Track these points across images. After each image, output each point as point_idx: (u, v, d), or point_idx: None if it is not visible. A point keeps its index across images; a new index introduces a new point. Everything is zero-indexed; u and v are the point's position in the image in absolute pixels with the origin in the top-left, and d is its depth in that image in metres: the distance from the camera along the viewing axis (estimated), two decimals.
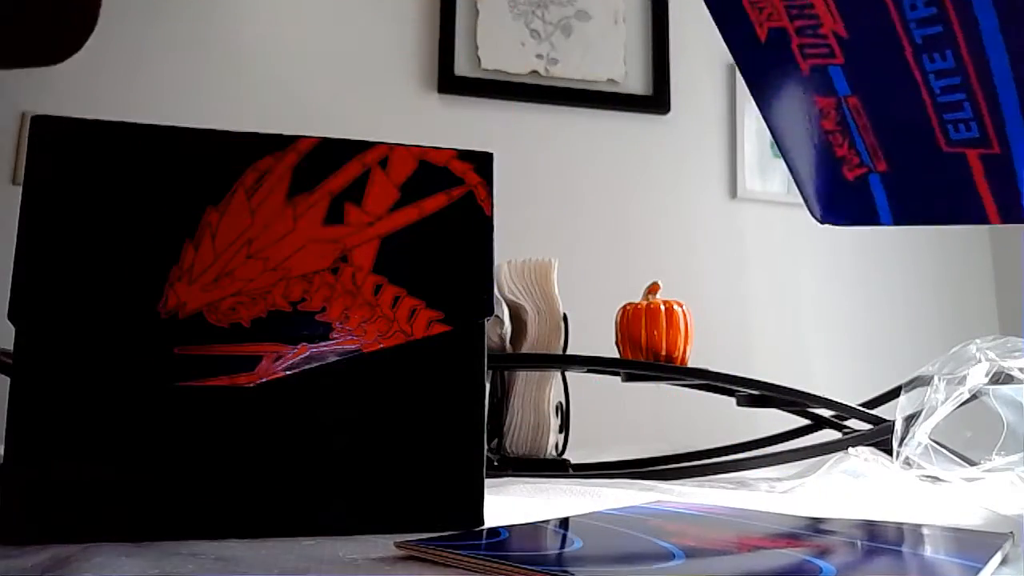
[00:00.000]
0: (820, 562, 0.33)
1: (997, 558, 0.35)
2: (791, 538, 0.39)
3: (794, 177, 0.26)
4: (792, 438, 0.98)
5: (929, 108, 0.22)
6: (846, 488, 0.63)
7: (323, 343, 0.41)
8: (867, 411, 0.83)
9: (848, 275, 1.67)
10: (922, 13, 0.20)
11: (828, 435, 0.87)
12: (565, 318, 0.86)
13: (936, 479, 0.60)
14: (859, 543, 0.39)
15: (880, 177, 0.24)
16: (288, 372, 0.41)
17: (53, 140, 0.40)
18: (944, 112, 0.22)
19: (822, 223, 0.26)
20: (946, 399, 0.59)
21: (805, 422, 0.96)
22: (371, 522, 0.41)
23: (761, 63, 0.24)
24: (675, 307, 0.83)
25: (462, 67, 1.52)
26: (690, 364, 0.84)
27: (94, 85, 1.38)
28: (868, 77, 0.22)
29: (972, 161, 0.22)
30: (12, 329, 0.39)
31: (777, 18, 0.23)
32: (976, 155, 0.22)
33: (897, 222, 0.25)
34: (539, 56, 1.56)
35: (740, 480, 0.76)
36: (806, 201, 0.26)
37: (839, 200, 0.25)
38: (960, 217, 0.24)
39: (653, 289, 0.87)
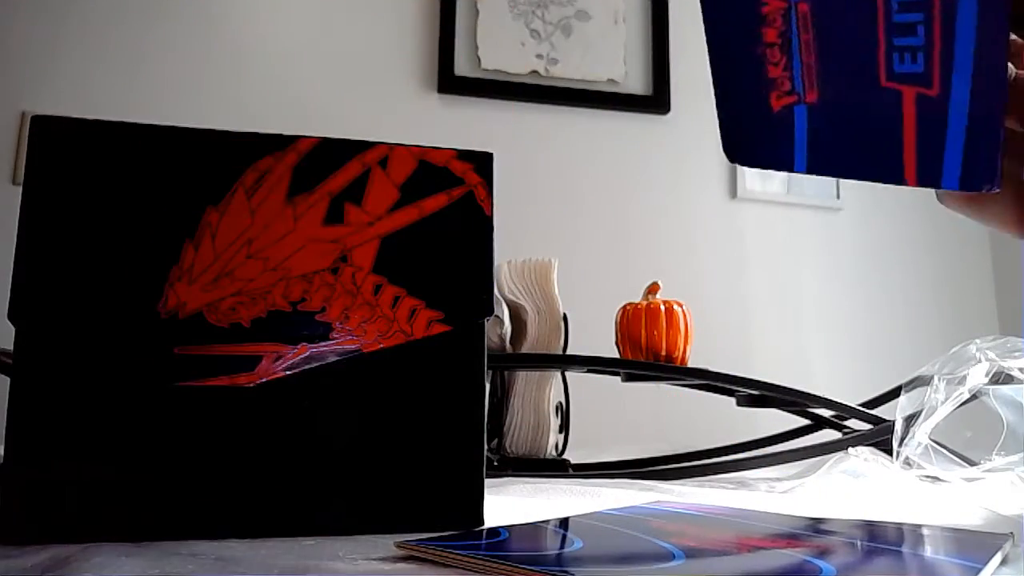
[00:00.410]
0: (820, 562, 0.33)
1: (997, 558, 0.35)
2: (791, 538, 0.39)
3: (718, 105, 0.24)
4: (792, 438, 0.98)
5: (881, 27, 0.20)
6: (846, 488, 0.63)
7: (323, 343, 0.41)
8: (867, 411, 0.83)
9: (848, 275, 1.67)
10: None
11: (828, 435, 0.87)
12: (565, 318, 0.86)
13: (936, 479, 0.60)
14: (859, 543, 0.39)
15: (807, 110, 0.22)
16: (288, 372, 0.41)
17: (53, 140, 0.40)
18: (895, 35, 0.20)
19: (732, 161, 0.24)
20: (946, 399, 0.59)
21: (805, 422, 0.96)
22: (371, 522, 0.41)
23: None
24: (675, 307, 0.83)
25: (462, 67, 1.52)
26: (690, 364, 0.84)
27: (94, 85, 1.38)
28: None
29: (906, 103, 0.20)
30: (12, 329, 0.39)
31: None
32: (912, 95, 0.20)
33: (810, 170, 0.23)
34: (539, 56, 1.56)
35: (740, 480, 0.76)
36: (723, 135, 0.24)
37: (758, 135, 0.23)
38: (876, 173, 0.22)
39: (653, 289, 0.87)
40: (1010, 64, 0.26)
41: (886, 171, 0.21)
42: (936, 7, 0.19)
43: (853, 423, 0.88)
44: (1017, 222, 0.26)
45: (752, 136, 0.23)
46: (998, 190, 0.21)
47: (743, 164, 0.24)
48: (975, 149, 0.20)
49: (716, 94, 0.24)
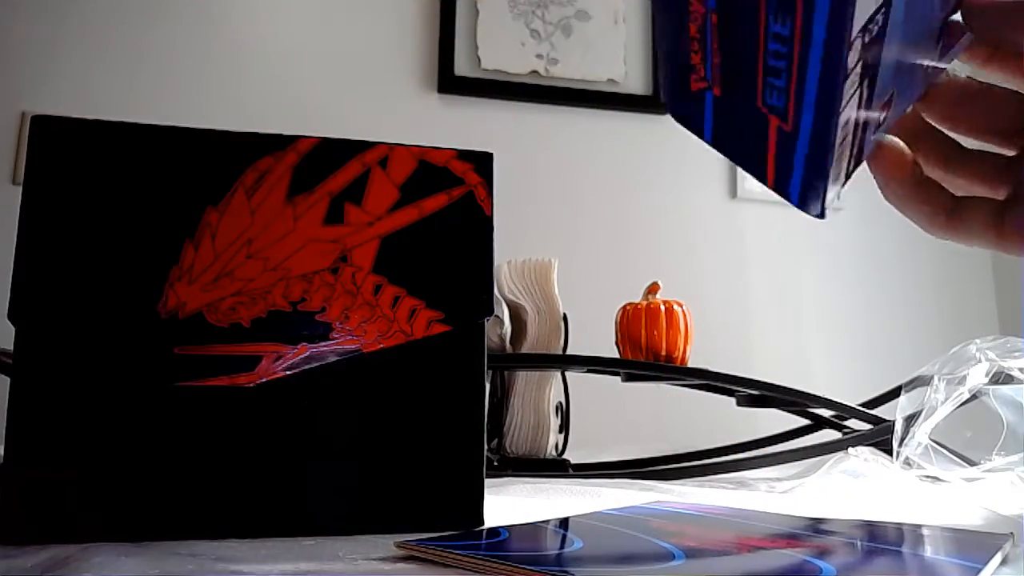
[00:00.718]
0: (820, 562, 0.33)
1: (997, 559, 0.35)
2: (791, 538, 0.39)
3: (659, 65, 0.28)
4: (792, 438, 0.98)
5: (760, 65, 0.23)
6: (846, 488, 0.63)
7: (323, 343, 0.41)
8: (867, 411, 0.83)
9: (848, 275, 1.67)
10: None
11: (828, 435, 0.88)
12: (565, 318, 0.86)
13: (936, 479, 0.61)
14: (859, 543, 0.39)
15: (713, 98, 0.26)
16: (288, 372, 0.41)
17: (53, 140, 0.40)
18: (768, 75, 0.23)
19: (669, 112, 0.28)
20: (946, 399, 0.60)
21: (805, 422, 0.96)
22: (371, 522, 0.41)
23: None
24: (675, 307, 0.83)
25: (462, 67, 1.52)
26: (690, 364, 0.84)
27: (94, 85, 1.38)
28: (731, 5, 0.24)
29: (771, 128, 0.25)
30: (12, 329, 0.39)
31: None
32: (775, 125, 0.24)
33: (713, 145, 0.27)
34: (539, 56, 1.56)
35: (740, 480, 0.76)
36: (663, 91, 0.29)
37: (682, 102, 0.27)
38: (749, 167, 0.26)
39: (653, 289, 0.87)
40: (956, 70, 0.28)
41: (757, 171, 0.26)
42: (795, 60, 0.22)
43: (853, 423, 0.88)
44: (997, 238, 0.27)
45: (679, 101, 0.27)
46: (823, 219, 0.25)
47: (676, 120, 0.28)
48: (808, 180, 0.24)
49: (659, 56, 0.28)
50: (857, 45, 0.22)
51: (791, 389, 0.80)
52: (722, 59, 0.24)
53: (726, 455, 0.92)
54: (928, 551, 0.38)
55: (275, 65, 1.48)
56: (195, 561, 0.33)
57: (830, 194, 0.25)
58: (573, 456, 0.85)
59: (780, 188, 0.25)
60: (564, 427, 0.87)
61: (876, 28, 0.22)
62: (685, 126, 0.27)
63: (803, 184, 0.24)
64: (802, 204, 0.25)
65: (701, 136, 0.27)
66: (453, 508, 0.42)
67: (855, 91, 0.23)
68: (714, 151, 0.27)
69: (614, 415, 1.32)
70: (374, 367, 0.42)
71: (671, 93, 0.27)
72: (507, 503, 0.53)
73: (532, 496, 0.57)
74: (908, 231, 1.79)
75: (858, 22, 0.21)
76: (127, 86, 1.40)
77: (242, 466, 0.40)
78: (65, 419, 0.38)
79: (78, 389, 0.38)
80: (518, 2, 1.57)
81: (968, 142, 0.29)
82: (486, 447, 0.45)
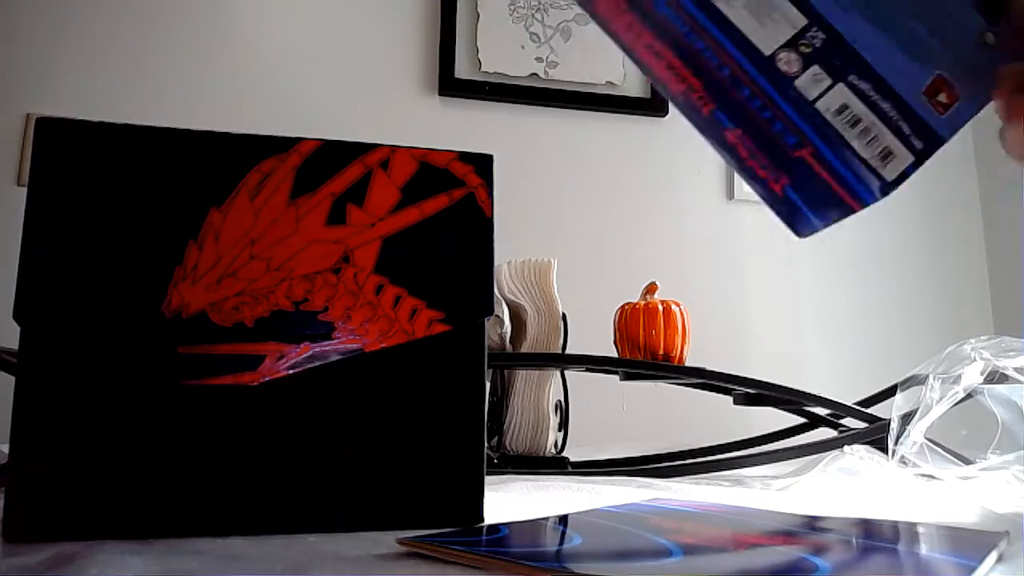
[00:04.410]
0: (816, 559, 0.33)
1: (992, 556, 0.35)
2: (787, 535, 0.40)
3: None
4: (788, 436, 0.98)
5: (764, 126, 0.30)
6: (842, 486, 0.63)
7: (325, 342, 0.41)
8: (863, 410, 0.84)
9: (844, 275, 1.67)
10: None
11: (824, 433, 0.88)
12: (564, 317, 0.86)
13: (931, 477, 0.61)
14: (855, 541, 0.39)
15: (791, 186, 0.31)
16: (291, 371, 0.41)
17: (57, 142, 0.40)
18: (771, 125, 0.30)
19: (800, 237, 0.33)
20: (941, 398, 0.60)
21: (801, 420, 0.97)
22: (373, 519, 0.41)
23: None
24: (673, 307, 0.84)
25: (463, 70, 1.53)
26: (687, 363, 0.84)
27: (98, 87, 1.38)
28: (734, 110, 0.30)
29: (809, 160, 0.30)
30: (17, 328, 0.39)
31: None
32: (808, 153, 0.30)
33: (813, 228, 0.32)
34: (539, 59, 1.56)
35: (736, 478, 0.76)
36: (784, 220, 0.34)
37: (790, 212, 0.32)
38: (836, 209, 0.31)
39: (651, 289, 0.88)
40: None
41: (836, 206, 0.32)
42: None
43: (849, 421, 0.89)
44: None
45: (791, 215, 0.34)
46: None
47: (813, 233, 0.33)
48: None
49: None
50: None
51: (787, 388, 0.80)
52: (762, 153, 0.31)
53: (723, 453, 0.92)
54: (923, 549, 0.38)
55: (277, 68, 1.48)
56: (199, 558, 0.33)
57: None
58: (572, 454, 0.86)
59: (862, 197, 0.31)
60: (563, 425, 0.87)
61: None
62: (823, 228, 0.32)
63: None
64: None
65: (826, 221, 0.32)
66: (454, 505, 0.43)
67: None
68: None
69: (612, 413, 1.32)
70: (376, 366, 0.42)
71: (786, 219, 0.32)
72: (507, 500, 0.53)
73: (532, 493, 0.57)
74: (904, 231, 1.79)
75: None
76: (130, 88, 1.40)
77: (245, 464, 0.40)
78: (70, 418, 0.38)
79: (83, 388, 0.39)
80: (518, 6, 1.57)
81: None
82: (486, 445, 0.45)
